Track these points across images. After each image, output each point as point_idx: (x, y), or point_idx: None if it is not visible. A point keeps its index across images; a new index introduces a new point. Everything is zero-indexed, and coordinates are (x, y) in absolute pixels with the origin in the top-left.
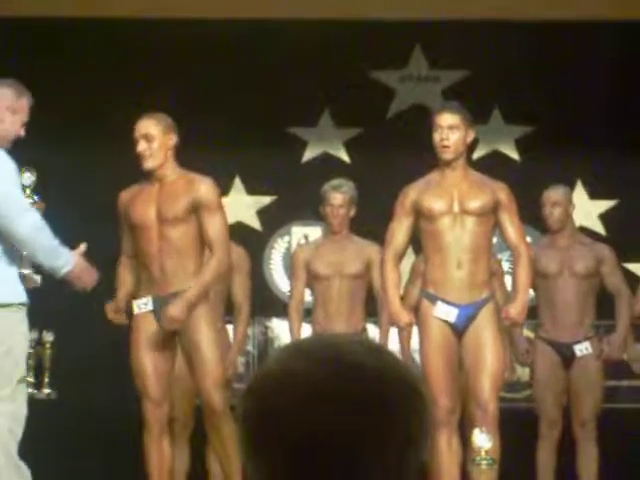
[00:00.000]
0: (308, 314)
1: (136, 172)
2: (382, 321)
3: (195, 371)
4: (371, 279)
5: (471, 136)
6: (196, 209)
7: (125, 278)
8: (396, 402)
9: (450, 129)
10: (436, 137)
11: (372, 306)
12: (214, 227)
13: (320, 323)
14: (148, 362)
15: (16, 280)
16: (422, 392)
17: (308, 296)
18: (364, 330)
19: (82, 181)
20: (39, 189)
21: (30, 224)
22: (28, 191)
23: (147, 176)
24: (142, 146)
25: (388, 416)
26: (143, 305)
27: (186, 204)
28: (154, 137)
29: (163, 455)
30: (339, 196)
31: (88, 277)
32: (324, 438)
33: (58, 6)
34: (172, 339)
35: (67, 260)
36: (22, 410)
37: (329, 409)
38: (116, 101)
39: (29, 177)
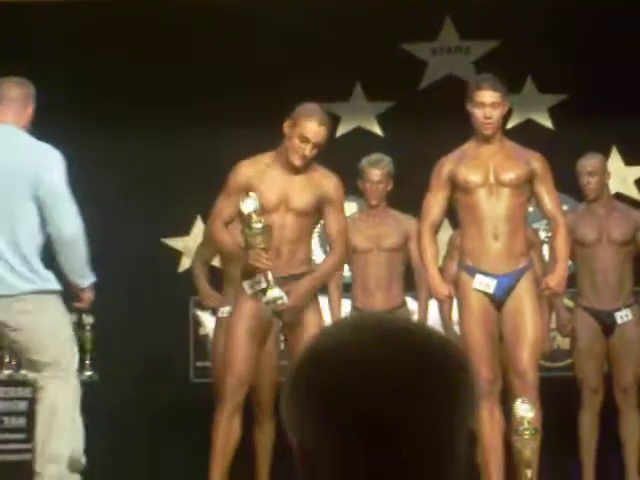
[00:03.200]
0: (346, 289)
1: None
2: (421, 294)
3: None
4: (409, 252)
5: (507, 106)
6: (322, 204)
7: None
8: (449, 374)
9: (492, 106)
10: (478, 113)
11: (411, 280)
12: (339, 224)
13: (359, 297)
14: (243, 340)
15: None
16: (470, 366)
17: (346, 271)
18: (404, 304)
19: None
20: None
21: (78, 224)
22: (255, 216)
23: (271, 156)
24: (309, 151)
25: (438, 382)
26: (257, 285)
27: (314, 199)
28: (319, 145)
29: (232, 432)
30: (378, 172)
31: (91, 297)
32: (377, 405)
33: None
34: (270, 326)
35: (90, 274)
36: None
37: (381, 376)
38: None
39: (253, 202)
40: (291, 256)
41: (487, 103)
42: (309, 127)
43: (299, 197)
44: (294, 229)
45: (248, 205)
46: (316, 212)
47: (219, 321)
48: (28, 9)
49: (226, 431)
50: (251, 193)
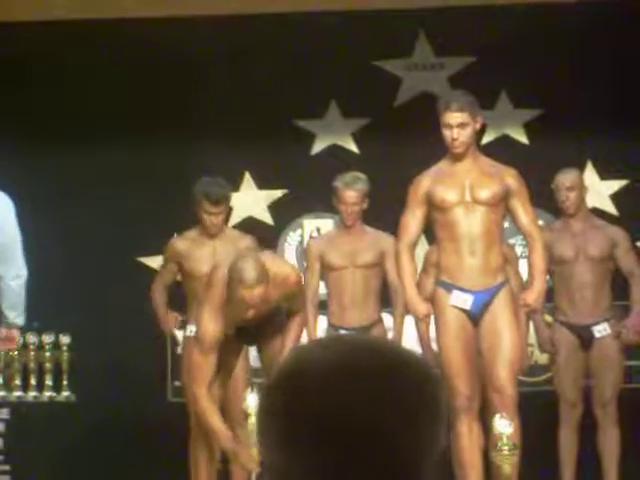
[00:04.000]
0: (322, 306)
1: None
2: (397, 311)
3: None
4: (385, 270)
5: (479, 123)
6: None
7: None
8: (425, 382)
9: (460, 127)
10: (446, 134)
11: (387, 296)
12: (302, 303)
13: (335, 314)
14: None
15: None
16: (437, 375)
17: (322, 289)
18: (380, 320)
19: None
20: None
21: (25, 269)
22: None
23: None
24: (254, 313)
25: (405, 392)
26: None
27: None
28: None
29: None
30: (353, 194)
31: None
32: (347, 418)
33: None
34: (240, 348)
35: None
36: None
37: (349, 389)
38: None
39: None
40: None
41: (454, 125)
42: (246, 297)
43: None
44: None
45: (251, 401)
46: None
47: (187, 340)
48: None
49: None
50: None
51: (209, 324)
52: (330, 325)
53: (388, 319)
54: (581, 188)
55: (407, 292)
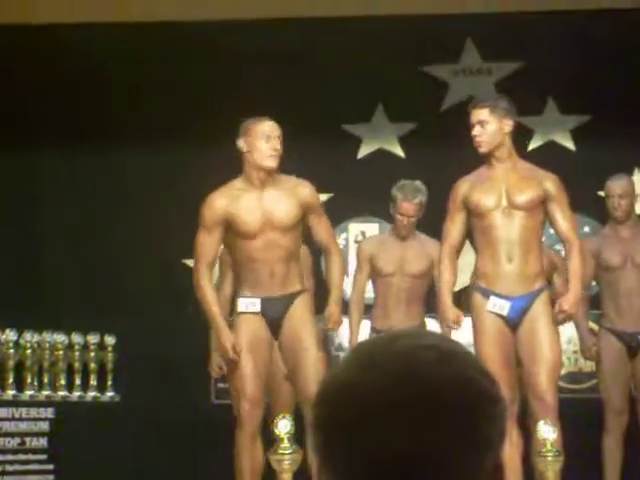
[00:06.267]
0: (367, 310)
1: None
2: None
3: (299, 376)
4: (433, 277)
5: (508, 125)
6: (304, 212)
7: None
8: (466, 411)
9: (480, 124)
10: (472, 134)
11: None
12: (327, 227)
13: (378, 318)
14: (249, 363)
15: None
16: (495, 397)
17: (369, 292)
18: (422, 325)
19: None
20: None
21: None
22: (286, 440)
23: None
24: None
25: (457, 426)
26: (251, 305)
27: (296, 209)
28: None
29: (255, 455)
30: (412, 207)
31: None
32: (395, 450)
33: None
34: (272, 342)
35: None
36: None
37: (398, 420)
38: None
39: (288, 423)
40: (285, 275)
41: (474, 122)
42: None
43: (281, 212)
44: (283, 247)
45: (282, 427)
46: (300, 223)
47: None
48: None
49: (250, 455)
50: (287, 416)
51: (208, 201)
52: (372, 329)
53: (431, 325)
54: (632, 195)
55: (440, 298)
